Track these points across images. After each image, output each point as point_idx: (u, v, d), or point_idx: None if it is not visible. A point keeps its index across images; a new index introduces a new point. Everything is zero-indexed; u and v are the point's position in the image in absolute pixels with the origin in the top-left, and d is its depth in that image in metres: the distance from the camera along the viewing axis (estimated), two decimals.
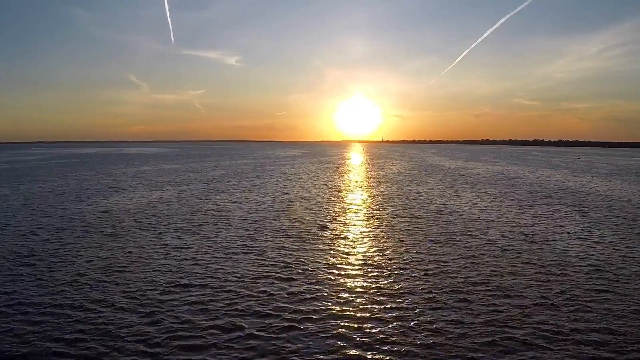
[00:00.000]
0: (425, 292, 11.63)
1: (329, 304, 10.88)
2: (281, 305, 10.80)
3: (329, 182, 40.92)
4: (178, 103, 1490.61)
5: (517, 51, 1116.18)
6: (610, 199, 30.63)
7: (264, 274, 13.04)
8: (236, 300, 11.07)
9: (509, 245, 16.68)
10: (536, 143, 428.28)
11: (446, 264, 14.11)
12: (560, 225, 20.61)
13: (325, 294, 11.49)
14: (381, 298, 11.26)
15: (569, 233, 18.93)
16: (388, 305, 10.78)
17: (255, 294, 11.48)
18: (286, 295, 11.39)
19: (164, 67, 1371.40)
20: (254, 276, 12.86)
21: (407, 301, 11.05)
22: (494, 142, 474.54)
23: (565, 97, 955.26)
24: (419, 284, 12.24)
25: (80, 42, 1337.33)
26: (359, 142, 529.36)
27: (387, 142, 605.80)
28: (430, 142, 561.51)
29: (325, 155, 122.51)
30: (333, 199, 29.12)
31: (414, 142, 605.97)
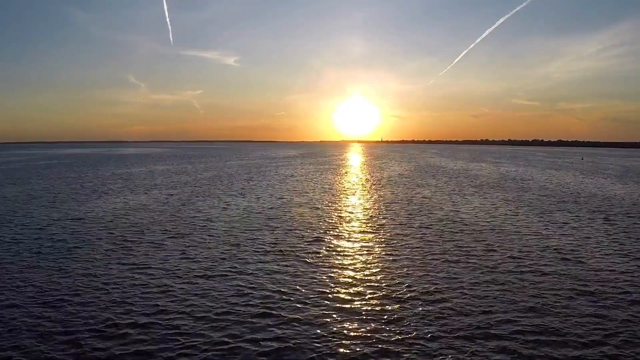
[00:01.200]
0: (443, 326, 9.07)
1: (322, 345, 8.32)
2: (260, 349, 8.23)
3: (326, 186, 38.33)
4: (177, 103, 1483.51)
5: (515, 51, 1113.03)
6: (632, 203, 28.12)
7: (242, 306, 10.46)
8: (198, 345, 8.49)
9: (536, 262, 14.13)
10: (535, 143, 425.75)
11: (465, 288, 11.56)
12: (589, 237, 18.06)
13: (317, 332, 8.93)
14: (388, 335, 8.70)
15: (604, 246, 16.39)
16: (398, 345, 8.22)
17: (226, 338, 8.91)
18: (268, 333, 8.83)
19: (162, 67, 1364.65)
20: (228, 308, 10.28)
21: (420, 336, 8.49)
22: (493, 142, 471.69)
23: (564, 98, 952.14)
24: (434, 314, 9.69)
25: (78, 42, 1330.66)
26: (358, 142, 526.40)
27: (386, 142, 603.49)
28: (429, 142, 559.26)
29: (323, 155, 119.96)
30: (330, 206, 26.53)
31: (412, 142, 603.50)
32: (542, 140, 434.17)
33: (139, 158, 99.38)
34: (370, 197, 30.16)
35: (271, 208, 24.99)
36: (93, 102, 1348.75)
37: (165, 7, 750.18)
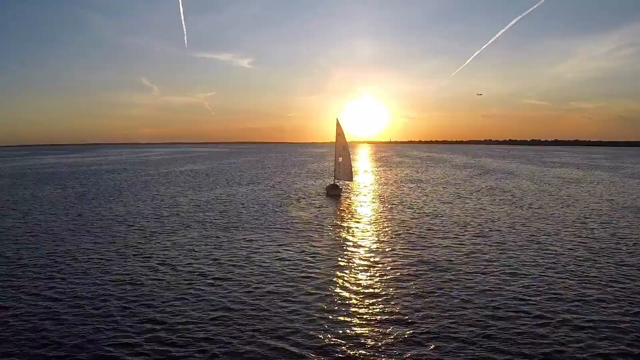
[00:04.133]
0: None
1: None
2: None
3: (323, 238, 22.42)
4: (189, 105, 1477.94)
5: (527, 52, 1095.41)
6: None
7: None
8: None
9: None
10: (547, 143, 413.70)
11: None
12: None
13: None
14: None
15: None
16: None
17: None
18: None
19: (175, 69, 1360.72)
20: None
21: None
22: (504, 142, 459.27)
23: (575, 98, 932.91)
24: None
25: (93, 45, 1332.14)
26: (367, 142, 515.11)
27: (395, 142, 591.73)
28: (437, 142, 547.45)
29: (328, 160, 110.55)
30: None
31: (420, 142, 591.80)
32: (554, 140, 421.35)
33: (130, 164, 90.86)
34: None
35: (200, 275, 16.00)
36: (107, 105, 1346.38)
37: (181, 9, 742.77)
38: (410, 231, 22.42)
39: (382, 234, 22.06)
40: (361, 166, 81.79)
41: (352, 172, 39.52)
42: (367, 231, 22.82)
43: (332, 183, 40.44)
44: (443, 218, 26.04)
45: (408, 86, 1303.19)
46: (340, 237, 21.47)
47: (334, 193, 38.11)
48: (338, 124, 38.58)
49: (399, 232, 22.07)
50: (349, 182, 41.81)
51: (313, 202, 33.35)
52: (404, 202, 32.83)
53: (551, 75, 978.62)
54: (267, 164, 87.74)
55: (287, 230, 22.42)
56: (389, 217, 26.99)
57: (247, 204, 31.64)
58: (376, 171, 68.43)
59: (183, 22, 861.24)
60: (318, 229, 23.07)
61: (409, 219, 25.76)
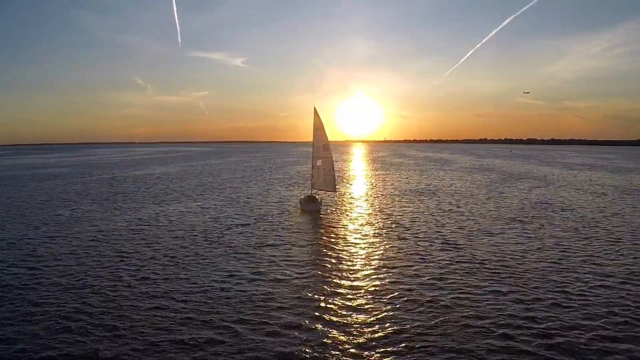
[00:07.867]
0: None
1: None
2: None
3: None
4: (182, 104, 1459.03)
5: (521, 51, 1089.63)
6: None
7: None
8: None
9: None
10: (541, 142, 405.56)
11: None
12: None
13: None
14: None
15: None
16: None
17: None
18: None
19: (169, 68, 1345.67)
20: None
21: None
22: (499, 142, 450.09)
23: (569, 97, 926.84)
24: None
25: (86, 44, 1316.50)
26: (362, 141, 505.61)
27: (389, 141, 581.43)
28: (431, 141, 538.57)
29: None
30: None
31: (414, 141, 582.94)
32: (551, 139, 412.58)
33: (95, 167, 79.60)
34: None
35: None
36: (100, 104, 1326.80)
37: (175, 8, 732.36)
38: (440, 289, 11.82)
39: (387, 292, 11.74)
40: (352, 169, 70.66)
41: (334, 179, 28.56)
42: (360, 284, 11.86)
43: (309, 194, 29.58)
44: (499, 268, 14.77)
45: (402, 85, 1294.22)
46: (313, 300, 11.19)
47: (311, 208, 27.28)
48: (316, 114, 27.49)
49: (420, 295, 11.11)
50: (331, 193, 31.00)
51: (279, 224, 22.35)
52: (417, 226, 21.65)
53: (545, 74, 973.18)
54: (246, 166, 76.55)
55: (224, 290, 11.50)
56: (395, 252, 15.99)
57: (179, 232, 20.50)
58: (371, 175, 56.86)
59: (177, 21, 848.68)
60: (278, 280, 12.97)
61: (434, 260, 14.69)
